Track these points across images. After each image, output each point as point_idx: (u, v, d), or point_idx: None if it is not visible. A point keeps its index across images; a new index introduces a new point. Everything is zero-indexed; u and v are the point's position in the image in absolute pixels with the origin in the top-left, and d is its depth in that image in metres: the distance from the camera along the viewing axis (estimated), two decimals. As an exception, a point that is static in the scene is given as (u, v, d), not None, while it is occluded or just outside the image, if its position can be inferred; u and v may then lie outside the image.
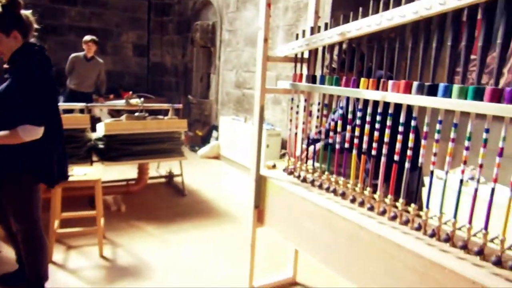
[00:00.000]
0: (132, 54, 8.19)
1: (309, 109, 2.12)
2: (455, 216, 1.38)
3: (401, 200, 1.56)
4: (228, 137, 5.83)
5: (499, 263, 1.23)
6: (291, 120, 2.22)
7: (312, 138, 2.16)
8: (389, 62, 1.61)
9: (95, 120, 4.50)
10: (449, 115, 1.41)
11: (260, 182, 2.25)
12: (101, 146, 3.69)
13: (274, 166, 2.37)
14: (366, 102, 1.70)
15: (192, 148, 6.52)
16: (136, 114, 3.99)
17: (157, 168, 4.87)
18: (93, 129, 3.85)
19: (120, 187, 4.10)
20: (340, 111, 2.00)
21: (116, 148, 3.69)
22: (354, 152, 1.78)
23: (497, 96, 1.19)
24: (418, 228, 1.49)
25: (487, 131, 1.27)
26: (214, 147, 6.12)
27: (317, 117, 2.05)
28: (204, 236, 3.27)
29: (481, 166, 1.31)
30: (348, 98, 1.95)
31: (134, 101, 4.19)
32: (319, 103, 2.03)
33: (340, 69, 1.91)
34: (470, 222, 1.34)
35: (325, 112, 2.00)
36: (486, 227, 1.30)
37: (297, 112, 2.19)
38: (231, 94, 6.28)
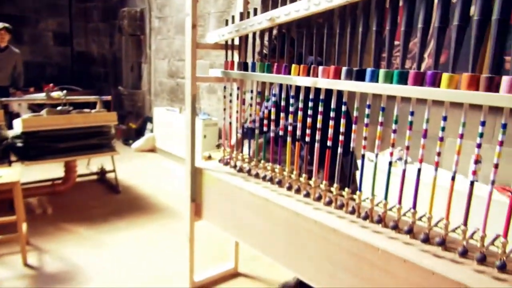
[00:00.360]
0: (53, 43, 7.58)
1: (242, 97, 2.08)
2: (386, 197, 1.42)
3: (335, 185, 1.58)
4: (163, 128, 5.63)
5: (427, 240, 1.29)
6: (225, 109, 2.16)
7: (246, 127, 2.12)
8: (319, 48, 1.61)
9: (14, 116, 4.12)
10: (376, 100, 1.44)
11: (196, 175, 2.18)
12: (19, 144, 3.36)
13: (209, 157, 2.31)
14: (298, 88, 1.68)
15: (126, 142, 6.23)
16: (59, 108, 3.68)
17: (88, 165, 4.59)
18: (11, 126, 3.50)
19: (45, 187, 3.78)
20: (273, 99, 1.99)
21: (37, 146, 3.38)
22: (289, 139, 1.77)
23: (420, 80, 1.23)
24: (352, 212, 1.52)
25: (412, 113, 1.31)
26: (149, 140, 5.90)
27: (250, 105, 2.02)
28: (141, 234, 3.13)
29: (407, 147, 1.35)
30: (281, 85, 1.93)
31: (56, 94, 3.86)
32: (252, 91, 1.99)
33: (271, 55, 1.88)
34: (399, 202, 1.38)
35: (258, 100, 1.97)
36: (414, 206, 1.36)
37: (230, 101, 2.14)
38: (164, 84, 6.05)
